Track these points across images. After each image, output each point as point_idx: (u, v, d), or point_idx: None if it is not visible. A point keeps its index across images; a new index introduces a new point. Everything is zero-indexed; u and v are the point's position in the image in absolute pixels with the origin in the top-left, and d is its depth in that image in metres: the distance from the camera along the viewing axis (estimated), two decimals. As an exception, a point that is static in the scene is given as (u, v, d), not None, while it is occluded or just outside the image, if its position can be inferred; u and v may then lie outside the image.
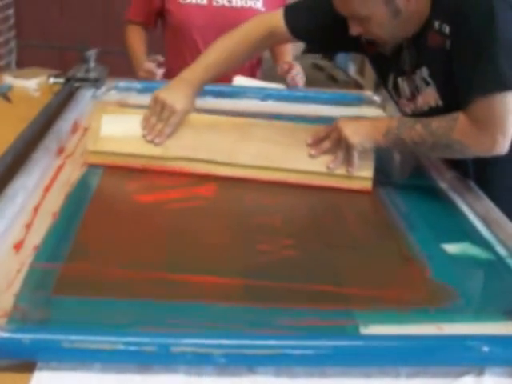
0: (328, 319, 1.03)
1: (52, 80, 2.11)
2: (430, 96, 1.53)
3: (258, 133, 1.61)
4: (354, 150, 1.52)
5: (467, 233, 1.36)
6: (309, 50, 2.06)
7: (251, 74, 2.45)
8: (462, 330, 1.02)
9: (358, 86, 4.93)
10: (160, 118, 1.60)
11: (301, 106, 2.15)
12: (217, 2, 2.34)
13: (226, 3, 2.34)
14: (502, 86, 1.37)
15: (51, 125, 1.69)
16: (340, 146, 1.54)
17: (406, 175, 1.73)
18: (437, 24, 1.45)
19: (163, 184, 1.51)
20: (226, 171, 1.55)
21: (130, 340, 0.90)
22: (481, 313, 1.09)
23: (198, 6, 2.34)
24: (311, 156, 1.56)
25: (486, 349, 0.92)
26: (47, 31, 4.51)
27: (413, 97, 1.59)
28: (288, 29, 1.70)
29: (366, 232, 1.37)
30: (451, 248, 1.27)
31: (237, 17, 2.29)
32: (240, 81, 2.30)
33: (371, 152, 1.54)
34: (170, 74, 2.19)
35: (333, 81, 5.76)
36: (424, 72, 1.52)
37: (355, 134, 1.51)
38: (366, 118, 1.59)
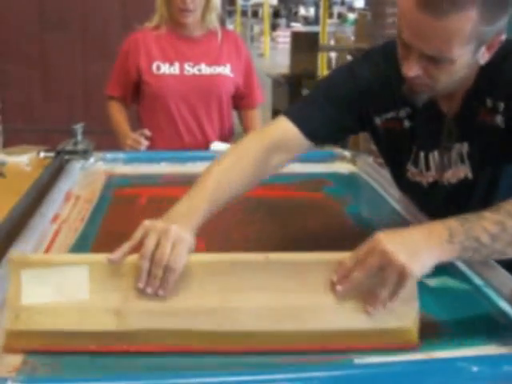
0: (323, 356, 1.03)
1: (43, 154, 2.13)
2: (460, 171, 1.39)
3: (252, 277, 1.07)
4: (409, 282, 1.04)
5: (445, 267, 1.37)
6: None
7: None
8: (450, 355, 1.02)
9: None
10: (158, 259, 1.06)
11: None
12: (188, 71, 2.41)
13: (197, 72, 2.42)
14: None
15: (45, 195, 1.70)
16: (385, 278, 1.04)
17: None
18: (489, 102, 1.31)
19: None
20: (214, 343, 1.05)
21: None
22: (465, 339, 1.08)
23: (171, 75, 2.41)
24: (336, 301, 1.06)
25: (475, 369, 0.93)
26: (31, 115, 4.55)
27: (442, 170, 1.43)
28: (306, 135, 1.40)
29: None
30: (431, 281, 1.28)
31: (207, 84, 2.40)
32: (217, 146, 2.34)
33: (415, 288, 1.07)
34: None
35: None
36: (464, 148, 1.37)
37: (413, 258, 1.03)
38: (407, 228, 1.10)
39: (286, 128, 1.40)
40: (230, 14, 16.53)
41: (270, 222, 1.68)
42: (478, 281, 1.29)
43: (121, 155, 2.18)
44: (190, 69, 2.41)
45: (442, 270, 1.34)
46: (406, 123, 1.45)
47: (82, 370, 0.99)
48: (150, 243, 1.06)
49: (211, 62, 2.42)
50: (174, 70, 2.40)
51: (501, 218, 1.08)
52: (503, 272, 1.29)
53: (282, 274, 1.06)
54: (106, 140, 2.40)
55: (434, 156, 1.43)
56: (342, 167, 2.16)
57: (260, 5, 19.20)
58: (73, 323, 1.04)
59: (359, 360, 1.00)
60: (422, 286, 1.26)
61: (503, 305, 1.19)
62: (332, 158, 2.23)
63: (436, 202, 1.48)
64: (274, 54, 16.32)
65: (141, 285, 1.05)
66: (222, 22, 2.94)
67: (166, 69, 2.40)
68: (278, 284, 1.06)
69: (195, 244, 1.12)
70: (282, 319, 1.06)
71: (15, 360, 0.99)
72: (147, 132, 2.33)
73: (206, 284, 1.07)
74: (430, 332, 1.10)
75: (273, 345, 1.04)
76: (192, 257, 1.09)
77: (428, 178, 1.45)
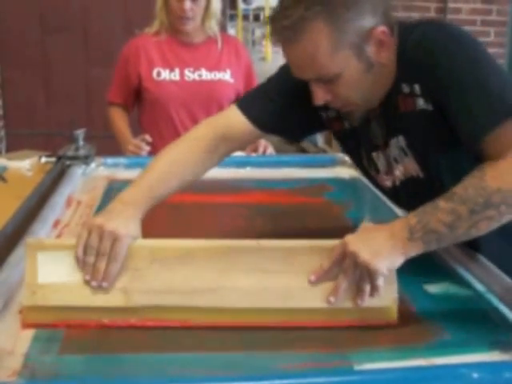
0: (323, 362, 1.02)
1: (44, 159, 2.13)
2: (409, 165, 1.33)
3: (245, 260, 1.17)
4: (380, 277, 1.12)
5: (446, 273, 1.37)
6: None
7: None
8: (451, 361, 1.02)
9: (327, 154, 5.00)
10: (100, 252, 1.16)
11: (278, 171, 2.17)
12: (188, 77, 2.43)
13: (197, 78, 2.43)
14: (508, 112, 1.12)
15: (46, 200, 1.70)
16: (361, 275, 1.13)
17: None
18: (405, 87, 1.25)
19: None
20: (211, 319, 1.15)
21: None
22: (466, 346, 1.08)
23: (171, 81, 2.42)
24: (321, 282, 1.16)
25: (476, 375, 0.92)
26: (33, 119, 4.55)
27: (390, 169, 1.38)
28: (252, 123, 1.41)
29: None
30: (433, 288, 1.28)
31: (208, 89, 2.40)
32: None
33: (393, 273, 1.15)
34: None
35: (303, 153, 5.86)
36: (401, 141, 1.31)
37: (376, 256, 1.11)
38: (371, 228, 1.17)
39: (235, 116, 1.43)
40: (232, 17, 16.55)
41: (271, 227, 1.67)
42: (479, 287, 1.29)
43: (122, 160, 2.18)
44: (190, 75, 2.42)
45: (443, 276, 1.35)
46: (346, 124, 1.41)
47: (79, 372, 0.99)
48: (92, 241, 1.17)
49: (211, 68, 2.42)
50: (175, 75, 2.41)
51: (454, 206, 1.10)
52: (505, 278, 1.29)
53: (271, 258, 1.16)
54: (108, 144, 2.40)
55: (379, 156, 1.39)
56: (343, 172, 2.15)
57: (261, 9, 19.23)
58: (84, 300, 1.15)
59: (359, 366, 1.00)
60: (423, 292, 1.27)
61: (505, 311, 1.19)
62: (333, 163, 2.23)
63: (405, 205, 1.46)
64: (276, 58, 16.32)
65: (87, 277, 1.15)
66: (223, 27, 2.95)
67: (166, 75, 2.41)
68: (268, 266, 1.16)
69: (140, 230, 1.22)
70: (271, 297, 1.15)
71: (15, 364, 0.99)
72: (148, 138, 2.34)
73: (204, 266, 1.16)
74: (432, 338, 1.10)
75: (264, 321, 1.14)
76: (192, 242, 1.18)
77: (385, 181, 1.42)
